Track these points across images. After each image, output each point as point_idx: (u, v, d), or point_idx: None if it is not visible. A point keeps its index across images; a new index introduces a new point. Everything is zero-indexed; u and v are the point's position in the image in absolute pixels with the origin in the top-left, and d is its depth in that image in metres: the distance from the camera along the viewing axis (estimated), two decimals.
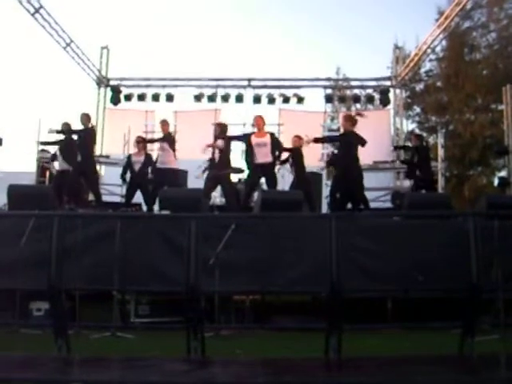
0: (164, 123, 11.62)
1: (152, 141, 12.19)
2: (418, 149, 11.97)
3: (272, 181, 10.36)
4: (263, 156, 10.24)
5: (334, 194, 10.35)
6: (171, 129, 14.93)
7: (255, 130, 10.78)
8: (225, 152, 10.42)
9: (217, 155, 10.37)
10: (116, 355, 5.78)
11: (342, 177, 10.11)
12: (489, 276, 5.85)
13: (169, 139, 11.40)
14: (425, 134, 24.96)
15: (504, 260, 6.15)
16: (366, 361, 5.38)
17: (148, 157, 11.72)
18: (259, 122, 10.59)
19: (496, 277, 6.01)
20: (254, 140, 10.35)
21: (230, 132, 11.05)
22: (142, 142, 11.81)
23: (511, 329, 6.16)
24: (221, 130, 10.70)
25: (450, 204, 8.50)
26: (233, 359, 5.64)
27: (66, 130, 11.06)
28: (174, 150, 11.30)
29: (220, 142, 10.36)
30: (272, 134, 10.68)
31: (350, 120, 10.18)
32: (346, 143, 10.05)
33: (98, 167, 16.39)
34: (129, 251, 7.15)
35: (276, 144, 10.50)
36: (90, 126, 11.10)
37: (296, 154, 10.97)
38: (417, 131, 24.91)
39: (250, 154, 10.36)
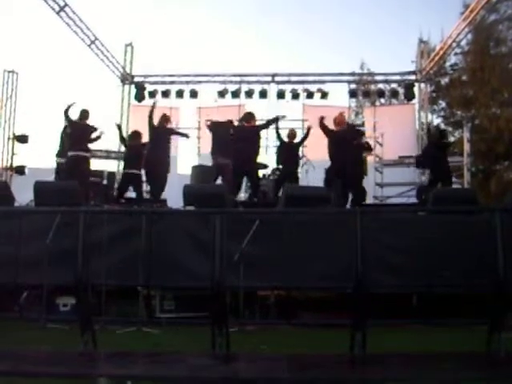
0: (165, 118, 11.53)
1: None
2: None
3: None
4: None
5: None
6: (196, 125, 14.99)
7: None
8: None
9: None
10: (141, 350, 5.82)
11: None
12: None
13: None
14: (450, 129, 24.80)
15: None
16: (391, 357, 5.36)
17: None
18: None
19: None
20: None
21: None
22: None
23: None
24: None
25: (476, 199, 8.42)
26: (257, 354, 5.64)
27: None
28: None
29: None
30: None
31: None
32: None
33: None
34: (154, 247, 7.19)
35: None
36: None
37: None
38: (442, 126, 24.68)
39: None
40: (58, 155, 11.53)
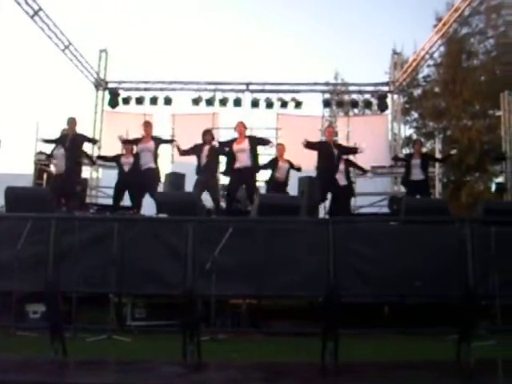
0: (148, 125, 11.36)
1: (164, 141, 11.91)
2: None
3: (250, 186, 10.56)
4: (242, 161, 10.42)
5: None
6: (170, 132, 14.89)
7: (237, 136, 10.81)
8: (213, 158, 10.50)
9: (204, 161, 10.44)
10: (112, 358, 5.77)
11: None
12: (485, 282, 5.87)
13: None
14: (422, 140, 25.10)
15: (500, 266, 6.18)
16: (362, 366, 5.38)
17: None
18: (240, 128, 10.73)
19: (493, 283, 6.03)
20: (235, 147, 10.55)
21: (225, 137, 11.19)
22: (129, 143, 11.58)
23: (508, 335, 6.18)
24: (211, 137, 10.80)
25: (446, 210, 8.51)
26: (228, 363, 5.63)
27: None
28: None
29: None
30: (250, 138, 10.78)
31: None
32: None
33: (96, 170, 16.49)
34: (126, 254, 7.14)
35: (255, 147, 10.65)
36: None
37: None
38: (414, 137, 24.94)
39: (231, 159, 10.59)
40: None
